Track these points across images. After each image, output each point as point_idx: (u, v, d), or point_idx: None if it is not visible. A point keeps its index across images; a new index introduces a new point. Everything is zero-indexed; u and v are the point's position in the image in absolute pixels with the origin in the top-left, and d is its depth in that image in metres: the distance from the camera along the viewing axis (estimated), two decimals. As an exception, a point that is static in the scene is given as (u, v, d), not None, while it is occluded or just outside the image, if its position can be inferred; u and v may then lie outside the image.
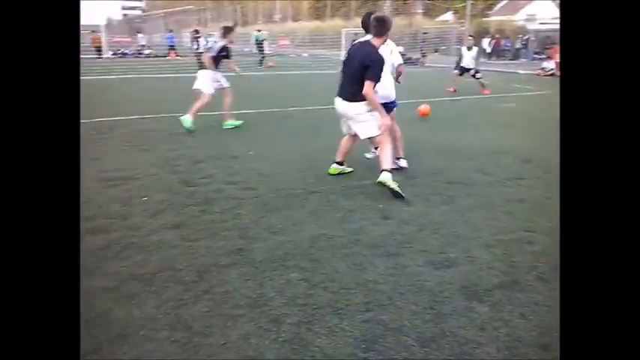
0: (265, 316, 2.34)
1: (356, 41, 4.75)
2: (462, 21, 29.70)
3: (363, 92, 4.09)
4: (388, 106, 4.63)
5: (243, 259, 2.94)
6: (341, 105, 4.40)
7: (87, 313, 2.32)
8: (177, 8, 71.58)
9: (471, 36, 12.90)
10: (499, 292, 2.58)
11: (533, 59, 25.91)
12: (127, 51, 29.99)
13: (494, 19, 33.08)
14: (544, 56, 21.69)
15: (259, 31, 24.90)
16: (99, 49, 26.69)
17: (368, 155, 5.23)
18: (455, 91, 12.35)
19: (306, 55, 30.06)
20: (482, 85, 12.37)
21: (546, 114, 8.47)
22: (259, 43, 22.87)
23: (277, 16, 50.28)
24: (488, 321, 2.32)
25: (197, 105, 6.85)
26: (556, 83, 12.94)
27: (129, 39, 35.89)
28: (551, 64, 18.27)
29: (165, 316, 2.33)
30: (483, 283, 2.68)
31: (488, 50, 28.74)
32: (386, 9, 31.24)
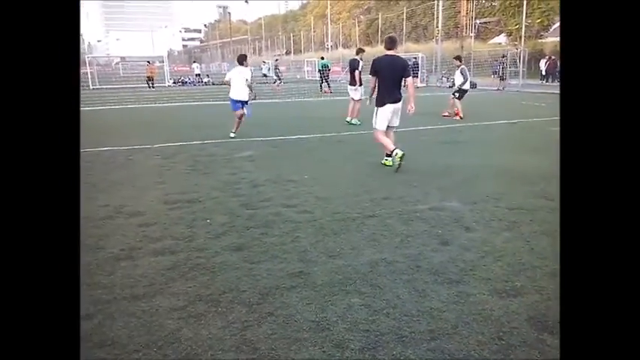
0: (329, 340, 2.34)
1: (379, 56, 6.16)
2: (515, 43, 29.03)
3: (414, 85, 6.41)
4: (241, 103, 8.60)
5: (303, 282, 2.98)
6: (396, 106, 6.09)
7: (158, 332, 2.43)
8: (234, 38, 74.69)
9: (456, 57, 12.66)
10: (571, 325, 2.46)
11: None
12: (186, 79, 31.64)
13: (550, 40, 32.06)
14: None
15: (322, 58, 24.94)
16: (151, 79, 27.97)
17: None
18: (449, 115, 11.85)
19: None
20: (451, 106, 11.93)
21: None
22: (322, 70, 22.60)
23: (329, 44, 51.30)
24: (561, 355, 2.21)
25: (357, 108, 10.53)
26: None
27: (188, 68, 37.77)
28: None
29: (232, 337, 2.39)
30: (553, 314, 2.56)
31: (544, 72, 27.90)
32: (437, 33, 31.09)
